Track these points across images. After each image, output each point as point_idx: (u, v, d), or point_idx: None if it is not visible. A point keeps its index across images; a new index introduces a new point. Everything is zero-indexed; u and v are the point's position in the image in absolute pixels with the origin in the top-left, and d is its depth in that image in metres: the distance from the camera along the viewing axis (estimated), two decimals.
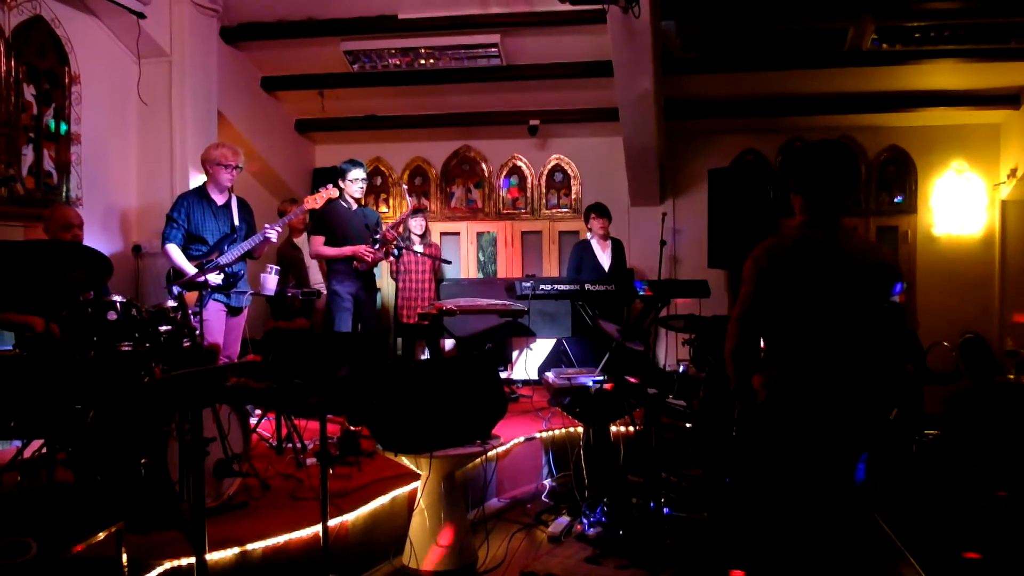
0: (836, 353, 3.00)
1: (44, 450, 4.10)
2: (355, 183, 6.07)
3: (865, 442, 3.09)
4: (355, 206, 6.18)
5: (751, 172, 8.83)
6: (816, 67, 7.76)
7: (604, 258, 7.77)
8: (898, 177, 8.94)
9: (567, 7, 6.04)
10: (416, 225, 7.47)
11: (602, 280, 7.23)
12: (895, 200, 8.94)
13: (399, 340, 7.77)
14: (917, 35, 7.22)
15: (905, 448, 6.50)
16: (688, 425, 5.11)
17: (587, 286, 7.00)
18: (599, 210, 7.82)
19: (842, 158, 3.11)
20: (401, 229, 6.24)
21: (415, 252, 7.17)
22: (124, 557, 3.01)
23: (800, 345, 3.03)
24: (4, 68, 5.32)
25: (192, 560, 3.27)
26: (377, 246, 5.96)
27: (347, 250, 5.97)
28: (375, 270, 6.31)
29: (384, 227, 6.10)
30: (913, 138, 8.82)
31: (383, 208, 9.60)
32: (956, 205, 8.69)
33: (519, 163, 9.47)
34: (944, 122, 8.65)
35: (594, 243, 7.84)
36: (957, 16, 6.95)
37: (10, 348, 4.70)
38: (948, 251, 8.75)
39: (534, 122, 8.83)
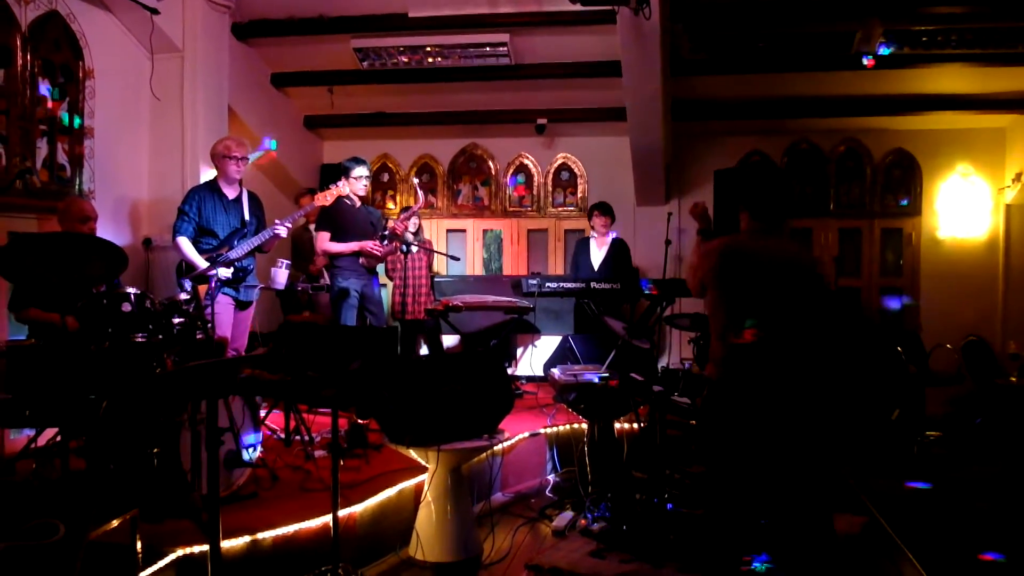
0: (768, 337, 3.43)
1: (59, 439, 4.16)
2: (359, 181, 6.11)
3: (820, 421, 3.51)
4: (359, 203, 6.23)
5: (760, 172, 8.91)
6: (823, 70, 7.80)
7: (598, 256, 7.80)
8: (903, 180, 8.97)
9: (577, 7, 6.08)
10: (410, 223, 7.52)
11: (593, 278, 7.31)
12: (900, 203, 8.98)
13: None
14: (924, 39, 7.26)
15: (907, 449, 6.55)
16: (692, 422, 5.16)
17: (592, 284, 7.07)
18: (601, 208, 7.87)
19: (775, 178, 3.79)
20: (410, 225, 6.27)
21: (422, 248, 7.21)
22: (138, 544, 3.07)
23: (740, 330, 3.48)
24: (20, 62, 5.37)
25: (204, 548, 3.34)
26: (386, 242, 6.02)
27: (354, 245, 6.02)
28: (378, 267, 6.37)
29: (393, 221, 6.14)
30: (919, 141, 8.86)
31: (390, 205, 9.65)
32: (961, 208, 8.72)
33: (526, 161, 9.52)
34: (950, 126, 8.69)
35: (592, 241, 7.89)
36: (964, 20, 6.98)
37: (25, 338, 4.78)
38: (952, 254, 8.78)
39: (541, 121, 8.88)
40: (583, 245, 7.95)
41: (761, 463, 3.47)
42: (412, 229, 7.52)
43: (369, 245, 6.00)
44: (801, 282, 3.49)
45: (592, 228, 7.96)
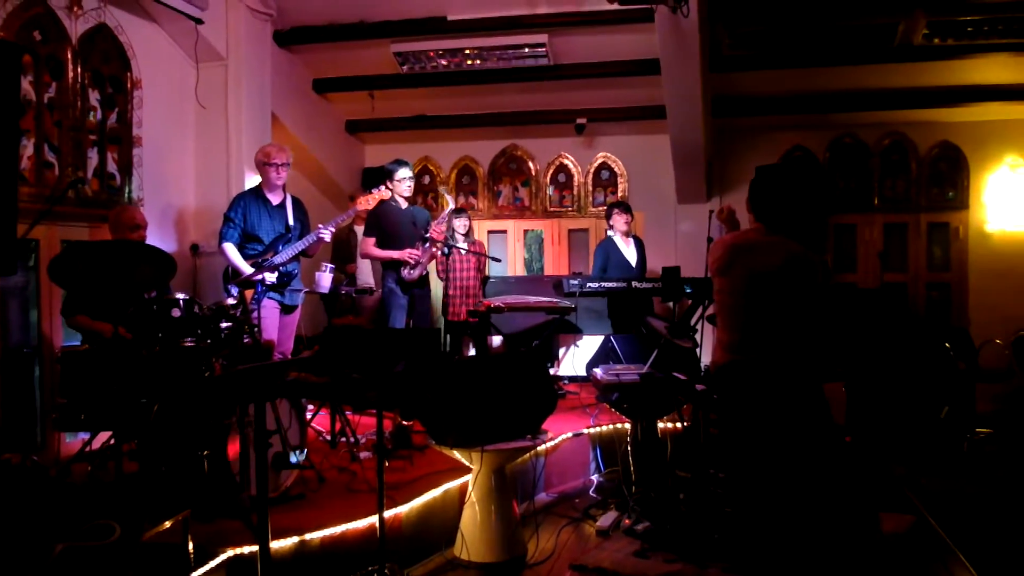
0: (761, 332, 3.61)
1: (112, 442, 4.27)
2: (403, 183, 6.15)
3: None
4: (405, 205, 6.27)
5: (805, 169, 8.82)
6: (866, 63, 7.70)
7: (630, 254, 7.75)
8: (950, 173, 8.83)
9: (615, 6, 6.08)
10: (460, 224, 7.56)
11: (629, 276, 7.29)
12: (947, 196, 8.84)
13: (447, 337, 7.87)
14: (970, 29, 7.14)
15: (956, 447, 6.45)
16: None
17: (634, 284, 7.05)
18: (623, 207, 7.80)
19: (777, 182, 3.82)
20: (445, 228, 6.31)
21: (461, 250, 7.25)
22: (190, 544, 3.14)
23: (739, 324, 3.68)
24: (72, 75, 5.51)
25: (254, 548, 3.40)
26: (427, 244, 6.06)
27: (395, 254, 6.06)
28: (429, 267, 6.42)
29: (431, 226, 6.19)
30: (965, 133, 8.71)
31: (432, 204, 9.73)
32: (1010, 201, 8.57)
33: (566, 161, 9.53)
34: (997, 117, 8.53)
35: (617, 240, 7.81)
36: (1011, 10, 6.86)
37: (79, 344, 4.90)
38: (1001, 248, 8.63)
39: (581, 121, 8.88)
40: (610, 245, 7.86)
41: (766, 468, 3.54)
42: (463, 231, 7.57)
43: (407, 254, 6.04)
44: (793, 282, 3.61)
45: (611, 227, 7.86)
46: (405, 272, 6.05)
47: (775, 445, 3.51)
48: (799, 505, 3.54)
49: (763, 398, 3.54)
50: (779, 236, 3.69)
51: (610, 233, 7.90)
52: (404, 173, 6.15)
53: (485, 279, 8.13)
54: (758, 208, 3.79)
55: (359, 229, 7.62)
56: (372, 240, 6.17)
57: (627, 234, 7.76)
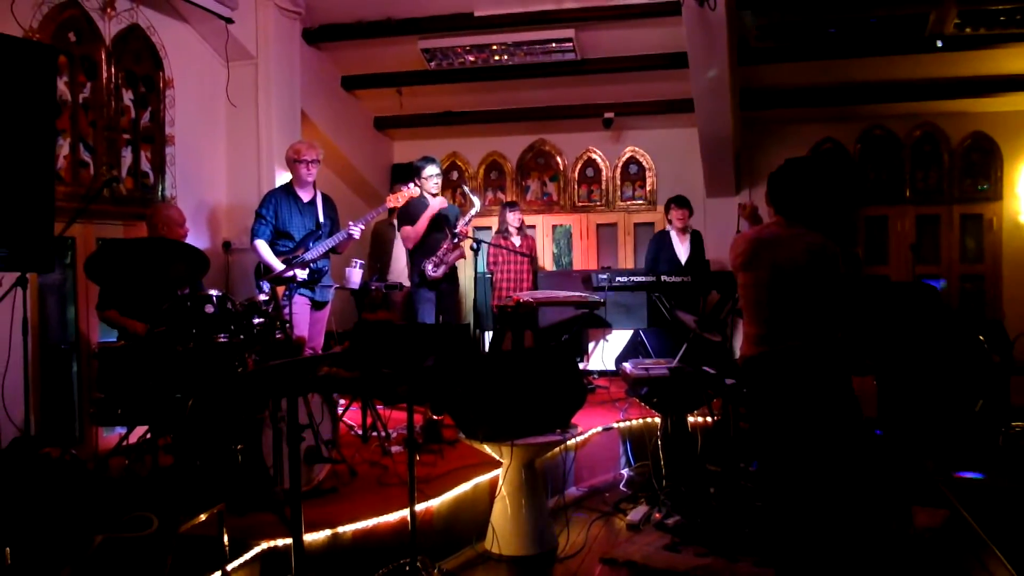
0: (791, 324, 3.61)
1: (148, 436, 4.34)
2: (430, 179, 6.19)
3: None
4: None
5: (829, 161, 8.75)
6: (896, 53, 7.63)
7: (682, 251, 7.76)
8: (983, 164, 8.72)
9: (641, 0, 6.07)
10: (513, 218, 7.61)
11: (678, 272, 7.26)
12: (980, 188, 8.73)
13: (487, 331, 7.88)
14: (1002, 18, 7.04)
15: (992, 441, 6.38)
16: None
17: (663, 278, 7.05)
18: (679, 202, 7.82)
19: (797, 174, 3.86)
20: (469, 228, 6.32)
21: (498, 246, 7.28)
22: (225, 537, 3.18)
23: (762, 316, 3.68)
24: (106, 75, 5.59)
25: (288, 541, 3.44)
26: (455, 241, 6.09)
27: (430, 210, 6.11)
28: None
29: (459, 223, 6.21)
30: (998, 124, 8.59)
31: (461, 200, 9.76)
32: None
33: (594, 156, 9.52)
34: None
35: (673, 235, 7.84)
36: None
37: (115, 340, 4.98)
38: None
39: (609, 115, 8.86)
40: (663, 239, 7.88)
41: (797, 461, 3.56)
42: (516, 224, 7.62)
43: (439, 201, 6.13)
44: (815, 273, 3.63)
45: (669, 222, 7.91)
46: (429, 269, 6.07)
47: (805, 437, 3.50)
48: (829, 498, 3.53)
49: (792, 390, 3.54)
50: (799, 228, 3.70)
51: (667, 227, 7.93)
52: (432, 170, 6.19)
53: (536, 273, 8.11)
54: (777, 200, 3.81)
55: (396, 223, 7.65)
56: (408, 226, 6.23)
57: (683, 230, 7.78)
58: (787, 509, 3.51)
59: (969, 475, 5.64)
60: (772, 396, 3.58)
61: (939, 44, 7.15)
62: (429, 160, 6.26)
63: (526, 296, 6.82)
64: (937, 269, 8.82)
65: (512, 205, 7.81)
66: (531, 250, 7.72)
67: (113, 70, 5.66)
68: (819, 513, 3.53)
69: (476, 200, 6.38)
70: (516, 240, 7.37)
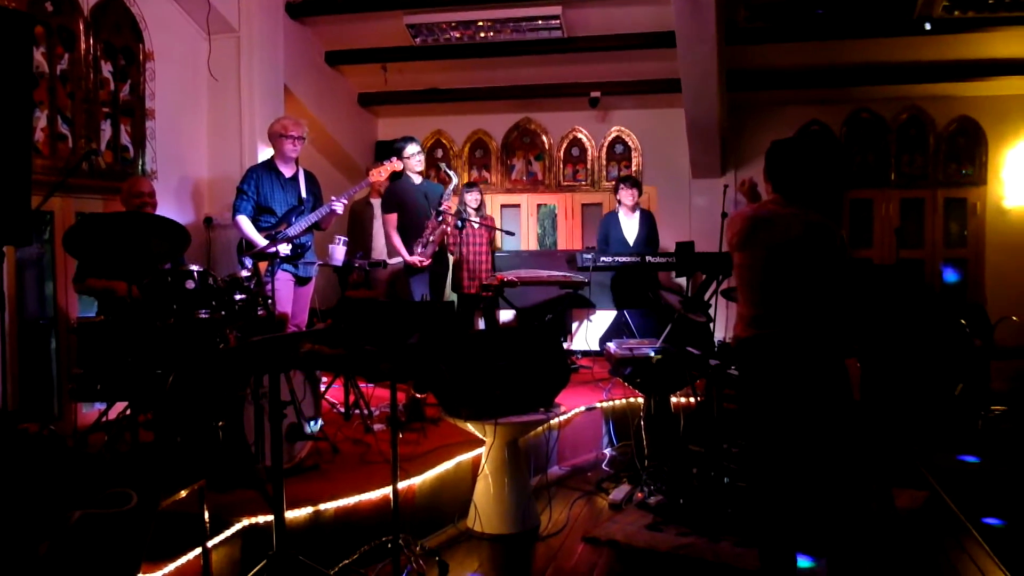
0: (782, 305, 3.53)
1: (128, 412, 4.30)
2: (412, 158, 6.15)
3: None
4: (418, 180, 6.28)
5: (825, 142, 8.76)
6: (883, 36, 7.61)
7: (630, 229, 7.71)
8: (968, 148, 8.73)
9: None
10: (471, 199, 7.53)
11: (627, 252, 7.27)
12: (964, 172, 8.75)
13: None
14: (990, 1, 7.03)
15: (971, 424, 6.43)
16: None
17: (648, 259, 7.04)
18: (628, 181, 7.76)
19: (795, 152, 3.70)
20: (454, 203, 6.29)
21: (473, 224, 7.23)
22: (206, 513, 3.16)
23: (757, 297, 3.59)
24: (84, 46, 5.50)
25: (269, 518, 3.43)
26: (440, 218, 6.05)
27: (404, 255, 6.12)
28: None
29: (443, 201, 6.17)
30: (984, 108, 8.61)
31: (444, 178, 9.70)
32: None
33: (580, 135, 9.47)
34: (1017, 91, 8.41)
35: (621, 214, 7.77)
36: None
37: (94, 315, 4.92)
38: (1019, 224, 8.54)
39: (595, 94, 8.81)
40: (611, 219, 7.83)
41: (787, 443, 3.52)
42: (474, 204, 7.54)
43: (415, 261, 6.07)
44: (814, 253, 3.54)
45: (619, 202, 7.84)
46: (418, 251, 6.04)
47: (797, 419, 3.48)
48: (816, 479, 3.52)
49: (787, 372, 3.49)
50: (798, 207, 3.64)
51: (617, 207, 7.88)
52: (412, 149, 6.15)
53: (495, 252, 8.09)
54: (776, 179, 3.70)
55: (375, 202, 7.61)
56: (394, 218, 6.21)
57: (632, 208, 7.72)
58: (773, 490, 3.50)
59: (968, 459, 5.70)
60: (765, 379, 3.53)
61: (927, 27, 7.14)
62: (409, 140, 6.21)
63: (511, 275, 6.79)
64: (921, 253, 8.85)
65: (470, 185, 7.72)
66: (491, 232, 7.65)
67: (92, 41, 5.56)
68: (803, 494, 3.53)
69: (454, 176, 6.35)
70: (475, 221, 7.30)
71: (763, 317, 3.54)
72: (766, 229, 3.57)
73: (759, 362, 3.56)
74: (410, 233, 6.15)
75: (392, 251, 6.37)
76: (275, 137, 5.55)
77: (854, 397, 3.81)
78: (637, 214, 7.75)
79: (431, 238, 6.07)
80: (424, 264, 6.07)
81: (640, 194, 7.80)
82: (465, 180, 9.30)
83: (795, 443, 3.48)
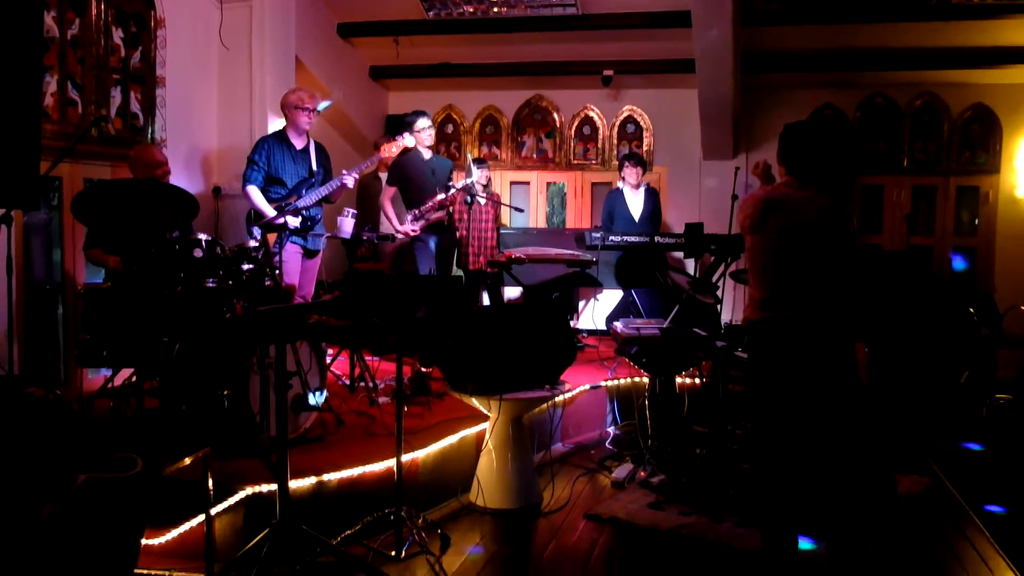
0: (792, 290, 3.52)
1: (134, 379, 4.31)
2: (422, 132, 6.15)
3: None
4: (428, 155, 6.27)
5: (841, 126, 8.69)
6: (901, 20, 7.52)
7: (635, 207, 7.68)
8: (982, 136, 8.64)
9: None
10: (480, 175, 7.50)
11: (633, 229, 7.26)
12: (978, 160, 8.68)
13: None
14: None
15: (975, 412, 6.42)
16: None
17: (657, 239, 7.01)
18: (633, 159, 7.72)
19: (810, 135, 3.68)
20: (459, 196, 6.29)
21: (480, 201, 7.21)
22: (210, 481, 3.17)
23: (767, 282, 3.58)
24: (95, 11, 5.46)
25: (272, 487, 3.44)
26: (449, 193, 6.05)
27: (396, 225, 6.17)
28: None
29: (453, 186, 6.16)
30: (1000, 96, 8.51)
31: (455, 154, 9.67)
32: None
33: (591, 114, 9.41)
34: None
35: (626, 192, 7.74)
36: None
37: (101, 282, 4.93)
38: None
39: (608, 72, 8.75)
40: (617, 196, 7.80)
41: (794, 426, 3.51)
42: (483, 181, 7.52)
43: (405, 230, 6.11)
44: (828, 236, 3.52)
45: (622, 179, 7.81)
46: (408, 220, 6.07)
47: (804, 402, 3.47)
48: (821, 462, 3.52)
49: (796, 355, 3.47)
50: (812, 190, 3.61)
51: (619, 184, 7.85)
52: (423, 123, 6.15)
53: (499, 229, 8.06)
54: (791, 161, 3.67)
55: (384, 176, 7.59)
56: (392, 191, 6.26)
57: (637, 186, 7.69)
58: (777, 472, 3.49)
59: (971, 446, 5.69)
60: (774, 361, 3.52)
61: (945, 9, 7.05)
62: (420, 113, 6.20)
63: (519, 253, 6.78)
64: (930, 240, 8.80)
65: (480, 162, 7.69)
66: (496, 208, 7.63)
67: (103, 7, 5.53)
68: (807, 477, 3.53)
69: (476, 171, 6.33)
70: (481, 199, 7.29)
71: (774, 299, 3.53)
72: (779, 212, 3.55)
73: (769, 344, 3.55)
74: (414, 206, 6.15)
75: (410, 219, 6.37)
76: (290, 108, 5.52)
77: (861, 383, 3.78)
78: (642, 191, 7.73)
79: (428, 215, 6.08)
80: (412, 234, 6.09)
81: (644, 172, 7.77)
82: (475, 155, 9.28)
83: (801, 426, 3.48)
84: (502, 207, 7.84)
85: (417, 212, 6.08)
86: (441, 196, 6.04)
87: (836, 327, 3.49)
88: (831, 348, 3.48)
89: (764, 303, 3.56)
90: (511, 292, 8.07)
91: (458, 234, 6.69)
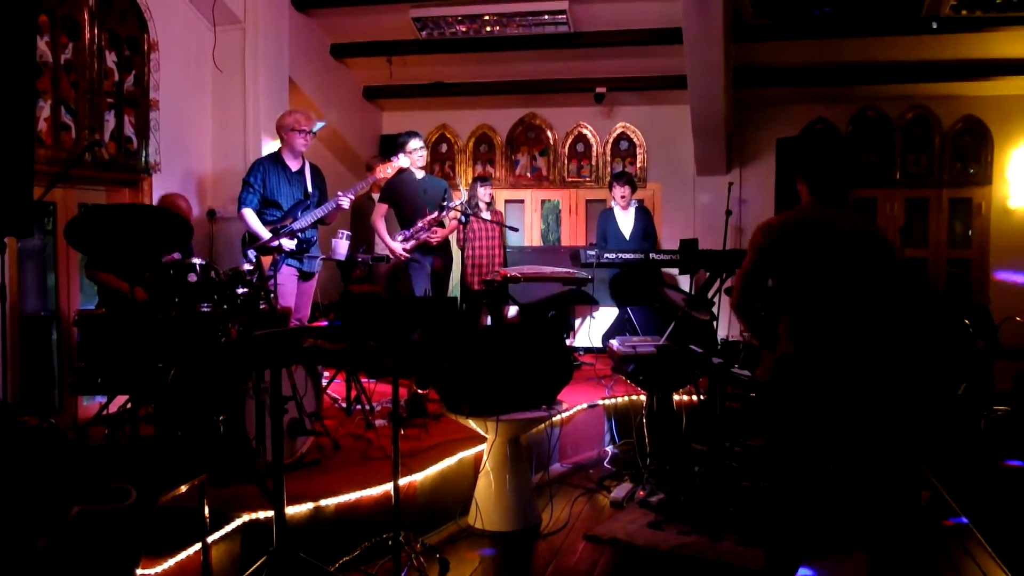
0: (836, 321, 3.27)
1: (129, 406, 4.28)
2: (415, 153, 6.17)
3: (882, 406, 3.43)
4: (420, 175, 6.29)
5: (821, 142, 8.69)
6: (891, 34, 7.57)
7: (626, 226, 7.70)
8: (973, 148, 8.68)
9: None
10: (483, 193, 7.51)
11: (626, 247, 7.27)
12: (970, 171, 8.71)
13: (463, 305, 7.84)
14: (998, 1, 6.99)
15: (973, 424, 6.41)
16: (753, 395, 5.11)
17: (652, 255, 7.02)
18: (622, 178, 7.75)
19: (836, 149, 3.45)
20: (456, 198, 6.32)
21: (483, 219, 7.22)
22: (206, 509, 3.14)
23: (801, 314, 3.33)
24: (88, 36, 5.47)
25: (269, 513, 3.41)
26: (443, 213, 6.06)
27: (389, 242, 6.18)
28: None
29: (446, 211, 6.16)
30: (990, 108, 8.56)
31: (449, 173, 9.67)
32: None
33: (584, 131, 9.44)
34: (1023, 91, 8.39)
35: (616, 211, 7.77)
36: None
37: (95, 307, 4.91)
38: None
39: (601, 90, 8.77)
40: (608, 216, 7.82)
41: (819, 454, 3.37)
42: (486, 199, 7.53)
43: (398, 252, 6.12)
44: (870, 256, 3.28)
45: (613, 199, 7.84)
46: (399, 240, 6.10)
47: (837, 435, 3.32)
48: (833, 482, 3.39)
49: (836, 389, 3.24)
50: (846, 210, 3.35)
51: (611, 204, 7.87)
52: (415, 144, 6.18)
53: (506, 248, 8.08)
54: (818, 178, 3.37)
55: (377, 197, 7.60)
56: (384, 208, 6.29)
57: (627, 204, 7.71)
58: (792, 500, 3.32)
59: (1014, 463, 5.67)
60: (812, 396, 3.27)
61: (934, 25, 7.09)
62: (412, 134, 6.24)
63: (514, 271, 6.77)
64: (924, 252, 8.82)
65: (484, 180, 7.70)
66: (502, 225, 7.64)
67: (96, 31, 5.54)
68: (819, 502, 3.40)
69: (480, 189, 6.34)
70: (486, 216, 7.29)
71: (808, 331, 3.31)
72: (814, 234, 3.31)
73: (792, 380, 3.31)
74: (406, 226, 6.17)
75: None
76: (286, 130, 5.52)
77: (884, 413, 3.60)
78: (632, 209, 7.74)
79: (418, 236, 6.09)
80: (403, 256, 6.11)
81: (633, 190, 7.78)
82: (469, 175, 9.31)
83: (822, 456, 3.34)
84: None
85: (407, 234, 6.09)
86: (432, 215, 6.04)
87: (877, 359, 3.28)
88: (859, 384, 3.27)
89: (797, 335, 3.33)
90: (513, 311, 8.06)
91: (465, 254, 6.68)
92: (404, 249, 6.10)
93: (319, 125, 5.75)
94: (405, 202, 6.24)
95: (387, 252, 6.24)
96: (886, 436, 3.44)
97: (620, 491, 4.94)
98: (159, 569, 3.08)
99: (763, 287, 3.39)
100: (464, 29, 7.97)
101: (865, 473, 3.44)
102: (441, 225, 6.32)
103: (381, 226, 6.26)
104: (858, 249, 3.28)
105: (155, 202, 5.76)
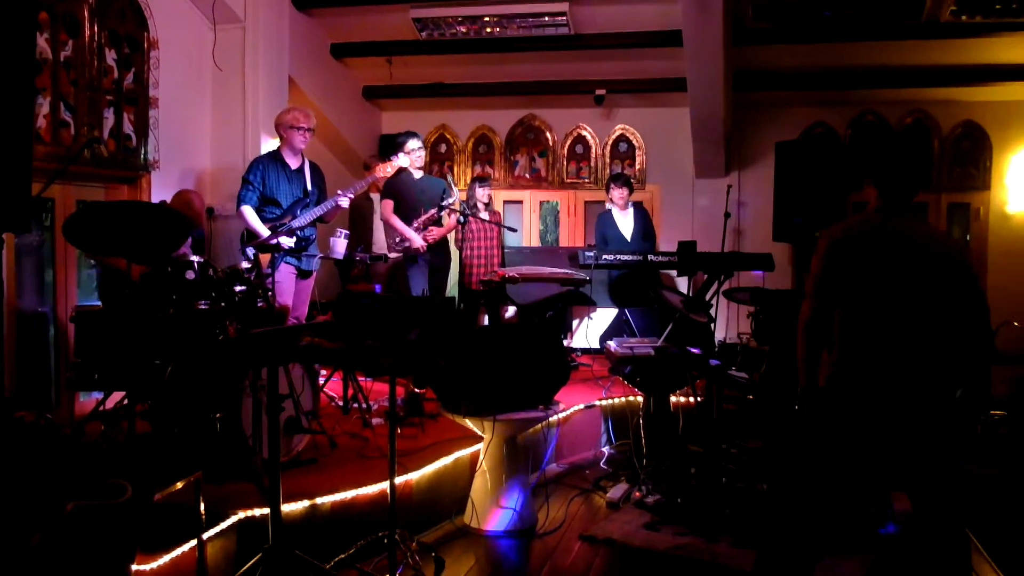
0: (897, 337, 3.01)
1: (125, 402, 4.28)
2: (413, 153, 6.20)
3: (932, 427, 3.09)
4: (419, 175, 6.31)
5: (820, 146, 8.70)
6: (891, 39, 7.58)
7: (626, 227, 7.70)
8: (972, 153, 8.69)
9: None
10: (482, 194, 7.51)
11: (625, 248, 7.27)
12: (968, 176, 8.71)
13: (460, 305, 7.85)
14: (998, 6, 7.00)
15: (970, 429, 6.40)
16: (750, 397, 5.11)
17: (650, 257, 7.02)
18: (619, 180, 7.75)
19: (916, 152, 3.16)
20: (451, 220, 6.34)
21: (481, 219, 7.22)
22: (202, 506, 3.14)
23: (863, 328, 3.06)
24: (88, 33, 5.47)
25: (265, 511, 3.41)
26: (441, 212, 6.07)
27: (408, 233, 6.18)
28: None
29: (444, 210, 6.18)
30: (989, 113, 8.56)
31: (447, 177, 9.66)
32: None
33: (584, 132, 9.44)
34: (1023, 97, 8.38)
35: (615, 212, 7.77)
36: None
37: (92, 304, 4.91)
38: (1022, 229, 8.50)
39: (600, 91, 8.77)
40: (608, 218, 7.82)
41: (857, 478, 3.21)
42: (485, 200, 7.53)
43: (416, 241, 6.16)
44: (950, 270, 3.02)
45: (610, 200, 7.84)
46: (396, 241, 6.16)
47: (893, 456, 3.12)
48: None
49: (893, 406, 3.02)
50: (922, 221, 3.12)
51: (609, 206, 7.87)
52: (414, 144, 6.21)
53: (503, 248, 8.09)
54: (893, 182, 3.07)
55: (376, 196, 7.61)
56: (391, 204, 6.31)
57: (625, 206, 7.71)
58: (806, 516, 3.16)
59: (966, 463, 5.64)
60: (854, 412, 3.04)
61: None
62: (411, 135, 6.26)
63: (512, 272, 6.77)
64: None
65: (482, 180, 7.70)
66: (501, 226, 7.65)
67: (96, 28, 5.54)
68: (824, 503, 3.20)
69: (456, 192, 6.37)
70: (484, 216, 7.30)
71: (868, 356, 3.04)
72: (893, 245, 3.03)
73: (843, 405, 3.06)
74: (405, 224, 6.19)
75: (391, 244, 6.39)
76: (285, 128, 5.52)
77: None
78: (631, 210, 7.74)
79: (417, 231, 6.11)
80: (422, 248, 6.17)
81: (631, 192, 7.77)
82: (468, 175, 9.31)
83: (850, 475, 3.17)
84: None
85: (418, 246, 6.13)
86: (430, 212, 6.06)
87: (949, 383, 3.08)
88: (911, 408, 3.05)
89: (863, 357, 3.05)
90: (511, 311, 8.06)
91: (463, 254, 6.68)
92: (421, 243, 6.12)
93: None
94: (403, 201, 6.27)
95: (386, 251, 6.25)
96: (936, 458, 3.23)
97: (616, 492, 4.95)
98: (154, 565, 3.08)
99: (837, 297, 3.09)
100: (464, 30, 7.98)
101: (914, 493, 3.26)
102: (438, 223, 6.32)
103: (396, 220, 6.26)
104: (933, 261, 3.02)
105: (160, 200, 5.76)
